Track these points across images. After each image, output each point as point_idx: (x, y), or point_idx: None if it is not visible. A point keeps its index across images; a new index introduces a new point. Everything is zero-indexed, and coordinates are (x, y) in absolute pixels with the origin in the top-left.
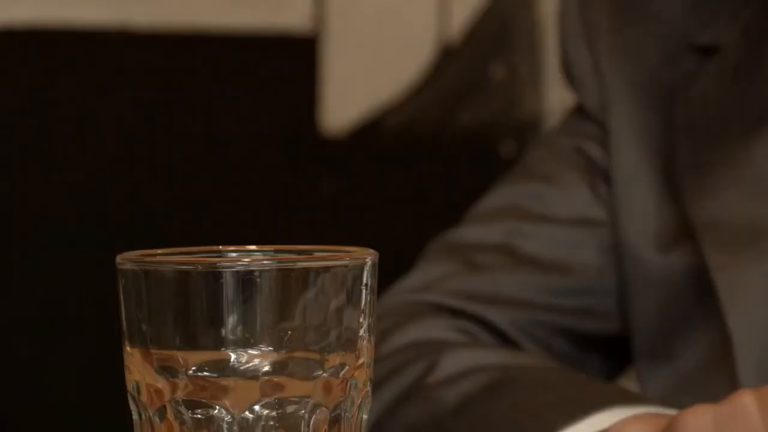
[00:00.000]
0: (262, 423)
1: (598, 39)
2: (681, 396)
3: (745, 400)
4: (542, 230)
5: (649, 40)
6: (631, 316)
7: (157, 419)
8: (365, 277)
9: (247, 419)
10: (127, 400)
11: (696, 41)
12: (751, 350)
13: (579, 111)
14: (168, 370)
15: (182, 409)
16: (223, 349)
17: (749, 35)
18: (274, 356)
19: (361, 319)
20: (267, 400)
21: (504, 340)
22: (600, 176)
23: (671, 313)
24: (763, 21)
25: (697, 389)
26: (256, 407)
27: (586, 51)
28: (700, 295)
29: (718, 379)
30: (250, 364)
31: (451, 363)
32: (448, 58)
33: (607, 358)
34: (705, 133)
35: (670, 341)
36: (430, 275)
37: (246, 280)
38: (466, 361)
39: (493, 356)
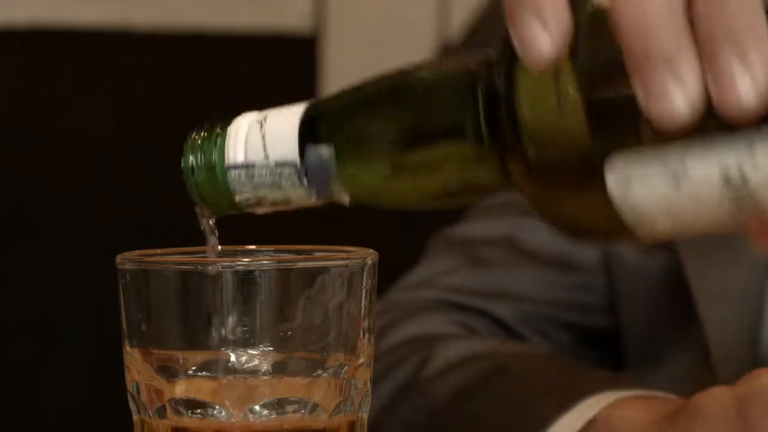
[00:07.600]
0: (262, 423)
1: None
2: None
3: (766, 380)
4: (544, 225)
5: None
6: (620, 319)
7: (157, 419)
8: (365, 277)
9: (247, 419)
10: (127, 400)
11: None
12: (730, 358)
13: None
14: (168, 370)
15: (182, 409)
16: (223, 349)
17: None
18: (274, 356)
19: (360, 319)
20: (267, 400)
21: (510, 334)
22: None
23: (655, 318)
24: None
25: (684, 396)
26: (256, 407)
27: None
28: (681, 300)
29: (702, 387)
30: (250, 364)
31: (444, 355)
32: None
33: (610, 354)
34: None
35: (656, 347)
36: (434, 270)
37: (246, 280)
38: (458, 351)
39: (484, 345)
